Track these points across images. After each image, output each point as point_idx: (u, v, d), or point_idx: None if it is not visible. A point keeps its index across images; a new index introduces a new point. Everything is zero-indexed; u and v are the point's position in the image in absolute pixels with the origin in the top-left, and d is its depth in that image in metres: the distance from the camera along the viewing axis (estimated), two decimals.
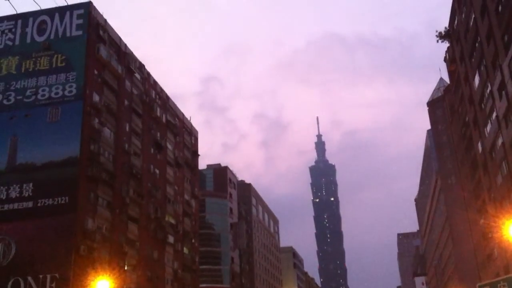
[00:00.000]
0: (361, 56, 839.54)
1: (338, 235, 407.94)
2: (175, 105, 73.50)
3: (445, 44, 59.17)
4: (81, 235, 45.61)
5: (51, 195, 46.64)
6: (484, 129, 48.01)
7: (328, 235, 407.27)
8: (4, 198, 47.23)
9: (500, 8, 37.23)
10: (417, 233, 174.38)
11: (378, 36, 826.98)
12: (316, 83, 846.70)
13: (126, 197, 53.89)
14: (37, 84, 50.76)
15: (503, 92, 39.34)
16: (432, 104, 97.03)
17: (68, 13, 53.22)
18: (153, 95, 65.78)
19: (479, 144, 51.11)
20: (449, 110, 69.46)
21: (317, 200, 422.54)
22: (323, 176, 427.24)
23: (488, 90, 44.23)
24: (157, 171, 63.73)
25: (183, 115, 76.33)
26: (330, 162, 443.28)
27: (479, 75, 46.69)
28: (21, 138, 49.44)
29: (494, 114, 43.25)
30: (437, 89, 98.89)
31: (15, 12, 54.45)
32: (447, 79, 77.21)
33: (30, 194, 47.01)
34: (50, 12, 53.89)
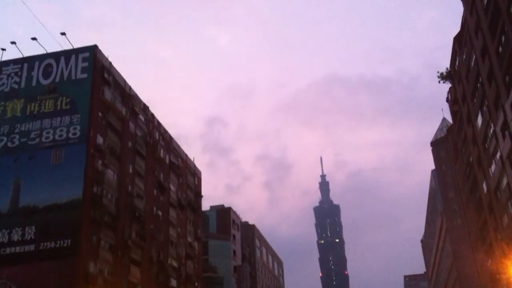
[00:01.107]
0: (363, 97, 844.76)
1: (343, 278, 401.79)
2: (178, 146, 73.67)
3: (447, 85, 59.64)
4: (83, 279, 44.99)
5: (53, 238, 46.26)
6: (488, 169, 47.80)
7: (334, 278, 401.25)
8: (6, 241, 46.85)
9: (500, 49, 37.59)
10: (424, 274, 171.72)
11: (379, 77, 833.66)
12: (319, 124, 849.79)
13: (128, 239, 53.42)
14: (41, 126, 51.05)
15: (507, 132, 39.32)
16: (436, 145, 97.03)
17: (73, 56, 53.94)
18: (157, 136, 66.03)
19: (484, 185, 50.79)
20: (453, 150, 69.35)
21: (322, 241, 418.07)
22: (327, 216, 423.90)
23: (491, 130, 44.23)
24: (160, 213, 63.36)
25: (186, 156, 76.41)
26: (334, 202, 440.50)
27: (482, 115, 46.79)
28: (24, 181, 49.40)
29: (498, 154, 43.12)
30: (440, 129, 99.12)
31: (21, 56, 55.33)
32: (450, 119, 77.45)
33: (32, 237, 46.65)
34: (56, 55, 54.64)
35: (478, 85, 46.08)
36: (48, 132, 50.68)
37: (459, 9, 49.47)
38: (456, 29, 51.96)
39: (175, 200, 68.59)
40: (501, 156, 42.27)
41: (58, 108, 51.68)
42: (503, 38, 36.58)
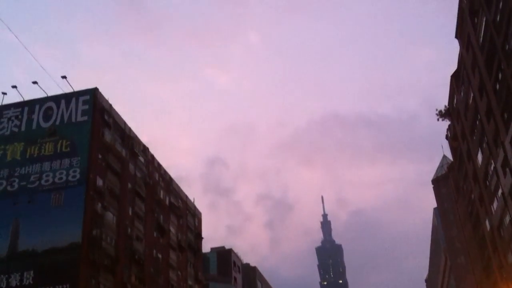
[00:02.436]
0: (362, 135, 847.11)
1: None
2: (178, 187, 73.39)
3: (446, 122, 59.81)
4: None
5: (52, 282, 45.55)
6: (490, 206, 47.46)
7: None
8: (4, 286, 46.15)
9: (497, 86, 37.82)
10: None
11: (379, 115, 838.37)
12: (319, 162, 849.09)
13: (127, 283, 52.60)
14: (41, 169, 50.99)
15: (507, 169, 39.19)
16: (437, 182, 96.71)
17: (74, 99, 54.31)
18: (157, 178, 65.86)
19: (487, 222, 50.34)
20: (454, 187, 69.06)
21: (325, 283, 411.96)
22: (330, 257, 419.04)
23: (492, 167, 44.10)
24: (160, 256, 62.60)
25: (186, 197, 76.05)
26: (336, 242, 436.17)
27: (482, 152, 46.76)
28: (23, 224, 48.99)
29: (500, 191, 42.87)
30: (440, 166, 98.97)
31: (22, 99, 55.72)
32: (450, 156, 77.39)
33: (31, 282, 45.95)
34: (57, 98, 55.02)
35: (477, 122, 46.21)
36: (47, 175, 50.57)
37: (455, 47, 50.11)
38: (453, 66, 52.48)
39: (175, 242, 67.89)
40: (502, 193, 42.02)
41: (58, 150, 51.71)
42: (499, 75, 36.86)
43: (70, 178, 49.93)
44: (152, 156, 65.29)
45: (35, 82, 54.24)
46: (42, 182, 50.32)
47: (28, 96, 56.09)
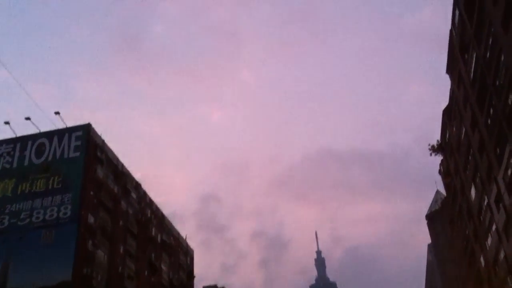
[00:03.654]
0: (356, 171, 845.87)
1: None
2: (170, 224, 72.69)
3: (439, 157, 59.91)
4: None
5: None
6: (485, 242, 47.12)
7: None
8: None
9: (489, 121, 38.01)
10: None
11: (372, 151, 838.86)
12: (313, 199, 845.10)
13: None
14: (32, 206, 50.43)
15: (501, 205, 39.05)
16: (431, 218, 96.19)
17: (67, 135, 54.15)
18: (149, 214, 65.24)
19: (482, 258, 49.91)
20: (448, 223, 68.73)
21: None
22: None
23: (485, 203, 43.96)
24: None
25: (178, 234, 75.25)
26: (331, 279, 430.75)
27: (475, 187, 46.69)
28: (13, 263, 48.14)
29: (494, 227, 42.63)
30: (434, 202, 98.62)
31: (14, 136, 55.52)
32: (443, 191, 77.27)
33: None
34: (50, 134, 54.86)
35: (470, 157, 46.28)
36: (38, 212, 49.98)
37: (447, 82, 50.64)
38: (445, 101, 52.87)
39: (167, 280, 66.83)
40: (496, 229, 41.77)
41: (50, 187, 51.27)
42: (491, 110, 37.09)
43: (61, 215, 49.35)
44: (145, 193, 64.85)
45: (28, 118, 54.20)
46: (33, 219, 49.70)
47: (21, 132, 56.01)
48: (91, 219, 50.68)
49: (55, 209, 49.89)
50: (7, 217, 50.35)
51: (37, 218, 49.77)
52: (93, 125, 54.96)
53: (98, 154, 54.41)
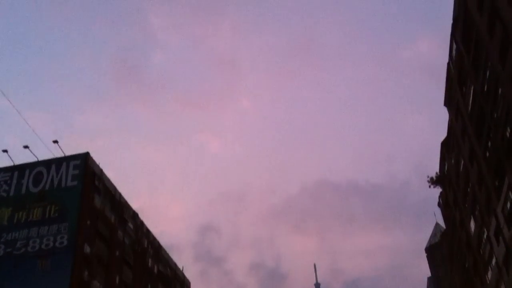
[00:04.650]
0: (355, 203, 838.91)
1: None
2: (167, 254, 72.01)
3: (438, 189, 59.73)
4: None
5: None
6: (485, 275, 46.63)
7: None
8: None
9: (487, 153, 38.00)
10: None
11: (370, 183, 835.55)
12: (312, 230, 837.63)
13: None
14: (28, 235, 49.98)
15: (500, 238, 38.75)
16: (430, 250, 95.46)
17: (64, 164, 54.04)
18: (145, 244, 64.68)
19: None
20: (448, 256, 68.17)
21: None
22: None
23: (485, 235, 43.63)
24: None
25: (175, 265, 74.48)
26: None
27: (474, 220, 46.41)
28: None
29: (494, 260, 42.22)
30: (433, 234, 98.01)
31: (12, 164, 55.37)
32: (442, 224, 76.86)
33: None
34: (47, 163, 54.74)
35: (468, 189, 46.12)
36: (34, 241, 49.52)
37: (445, 113, 50.85)
38: (443, 133, 52.97)
39: None
40: (496, 262, 41.37)
41: (47, 216, 50.91)
42: (489, 143, 37.11)
43: (57, 244, 48.88)
44: (142, 222, 64.42)
45: (26, 147, 54.18)
46: (29, 248, 49.21)
47: (18, 161, 55.89)
48: (87, 249, 50.19)
49: (51, 238, 49.44)
50: (2, 246, 49.84)
51: (33, 247, 49.28)
52: (92, 154, 54.96)
53: (96, 183, 54.21)
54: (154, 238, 67.74)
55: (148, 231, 66.05)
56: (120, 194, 59.34)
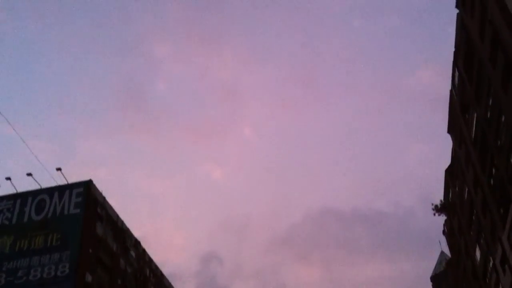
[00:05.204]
0: (359, 231, 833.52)
1: None
2: (169, 283, 71.35)
3: (442, 217, 59.29)
4: None
5: None
6: None
7: None
8: None
9: (492, 181, 37.81)
10: None
11: (374, 211, 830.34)
12: (316, 259, 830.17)
13: None
14: (30, 264, 49.63)
15: (506, 266, 38.29)
16: (436, 279, 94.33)
17: (67, 192, 53.94)
18: (148, 273, 64.13)
19: None
20: (454, 285, 67.30)
21: None
22: None
23: (490, 264, 43.13)
24: None
25: None
26: None
27: (480, 248, 45.94)
28: None
29: None
30: (439, 263, 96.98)
31: (15, 191, 55.33)
32: (448, 252, 76.11)
33: None
34: (50, 191, 54.65)
35: (473, 217, 45.77)
36: (36, 270, 49.14)
37: (449, 140, 50.81)
38: (447, 160, 52.85)
39: None
40: None
41: (48, 244, 50.61)
42: (493, 170, 36.95)
43: (59, 273, 48.49)
44: (144, 251, 63.97)
45: (29, 174, 54.21)
46: (30, 277, 48.81)
47: (21, 188, 55.89)
48: (88, 278, 49.74)
49: (53, 267, 49.08)
50: (4, 275, 49.47)
51: (35, 276, 48.89)
52: (95, 182, 54.88)
53: (99, 211, 54.04)
54: (157, 267, 67.20)
55: (150, 259, 65.56)
56: (122, 222, 59.08)
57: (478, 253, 47.04)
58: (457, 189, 50.71)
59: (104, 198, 56.00)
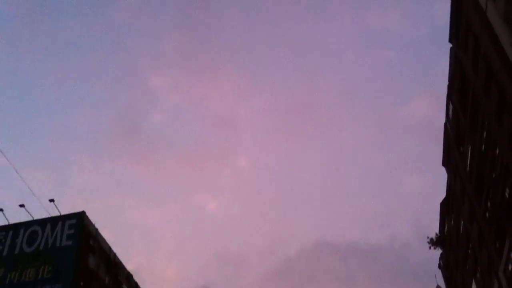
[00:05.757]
0: (354, 264, 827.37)
1: None
2: None
3: (438, 250, 58.90)
4: None
5: None
6: None
7: None
8: None
9: (487, 214, 37.68)
10: None
11: (369, 244, 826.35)
12: None
13: None
14: None
15: None
16: None
17: (60, 223, 53.36)
18: None
19: None
20: None
21: None
22: None
23: None
24: None
25: None
26: None
27: (476, 282, 45.53)
28: None
29: None
30: None
31: (7, 223, 54.72)
32: (443, 286, 75.33)
33: None
34: (43, 222, 54.05)
35: (469, 250, 45.48)
36: None
37: (443, 173, 50.80)
38: (442, 193, 52.75)
39: None
40: None
41: (40, 276, 49.76)
42: (489, 203, 36.86)
43: None
44: (136, 284, 63.07)
45: (22, 205, 53.65)
46: None
47: (14, 219, 55.21)
48: None
49: None
50: None
51: None
52: (88, 213, 54.30)
53: (91, 243, 53.39)
54: None
55: None
56: (115, 255, 58.36)
57: (474, 287, 46.59)
58: (452, 222, 50.51)
59: (96, 230, 55.42)
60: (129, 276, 61.14)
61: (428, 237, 57.44)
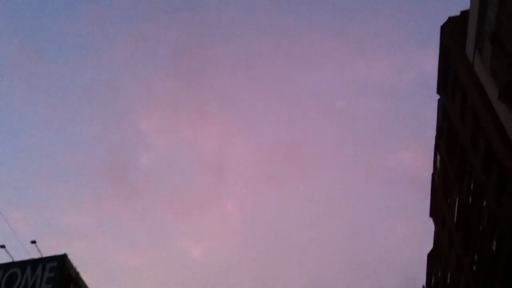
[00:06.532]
0: None
1: None
2: None
3: None
4: None
5: None
6: None
7: None
8: None
9: (474, 267, 37.31)
10: None
11: None
12: None
13: None
14: None
15: None
16: None
17: (41, 266, 52.04)
18: None
19: None
20: None
21: None
22: None
23: None
24: None
25: None
26: None
27: None
28: None
29: None
30: None
31: None
32: None
33: None
34: (23, 264, 52.68)
35: None
36: None
37: (431, 224, 50.63)
38: (430, 244, 52.41)
39: None
40: None
41: None
42: (475, 256, 36.55)
43: None
44: None
45: (2, 246, 52.46)
46: None
47: None
48: None
49: None
50: None
51: None
52: (70, 255, 53.02)
53: (71, 287, 52.04)
54: None
55: None
56: None
57: None
58: (439, 274, 49.99)
59: (77, 273, 54.08)
60: None
61: None
